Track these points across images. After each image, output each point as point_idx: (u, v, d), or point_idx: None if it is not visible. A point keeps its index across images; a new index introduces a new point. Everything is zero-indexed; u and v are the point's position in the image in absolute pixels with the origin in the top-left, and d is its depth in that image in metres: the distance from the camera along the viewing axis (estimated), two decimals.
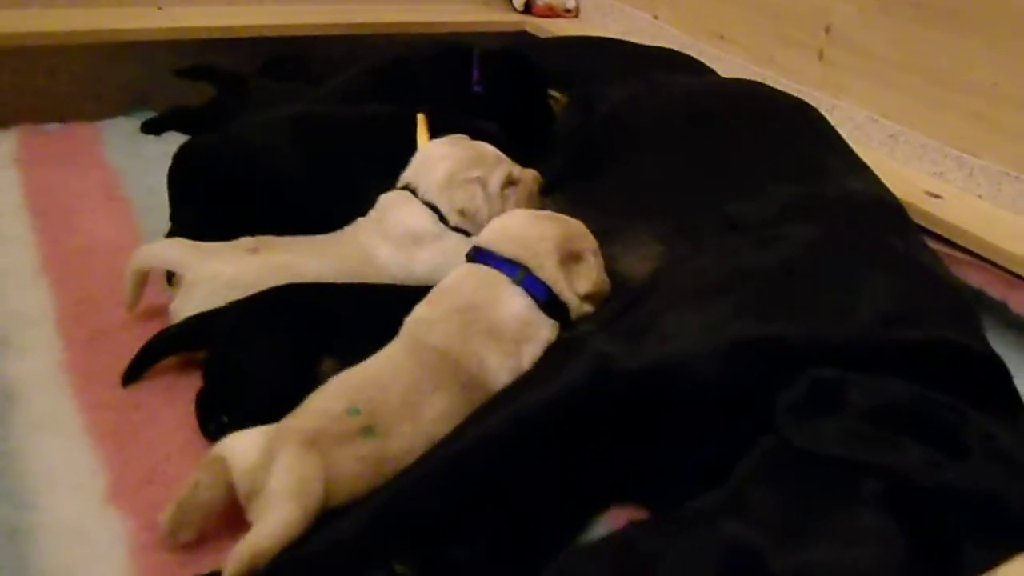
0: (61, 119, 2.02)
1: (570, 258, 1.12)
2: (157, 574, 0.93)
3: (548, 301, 1.10)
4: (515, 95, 1.61)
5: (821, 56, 1.86)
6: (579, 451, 1.00)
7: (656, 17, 2.28)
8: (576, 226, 1.17)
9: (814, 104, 1.82)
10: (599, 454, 1.01)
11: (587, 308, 1.13)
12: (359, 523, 0.92)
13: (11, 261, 1.47)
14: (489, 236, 1.15)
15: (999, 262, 1.45)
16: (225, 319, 1.16)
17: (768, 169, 1.28)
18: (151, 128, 1.94)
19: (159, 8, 2.16)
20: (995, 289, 1.49)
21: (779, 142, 1.36)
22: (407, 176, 1.35)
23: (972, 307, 1.14)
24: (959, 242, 1.51)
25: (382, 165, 1.40)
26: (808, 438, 0.89)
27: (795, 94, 1.86)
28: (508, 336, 1.07)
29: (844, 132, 1.76)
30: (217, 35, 2.12)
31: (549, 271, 1.10)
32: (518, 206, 1.35)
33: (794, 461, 0.89)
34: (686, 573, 0.82)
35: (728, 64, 2.06)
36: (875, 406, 0.90)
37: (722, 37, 2.08)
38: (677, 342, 1.03)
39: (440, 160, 1.33)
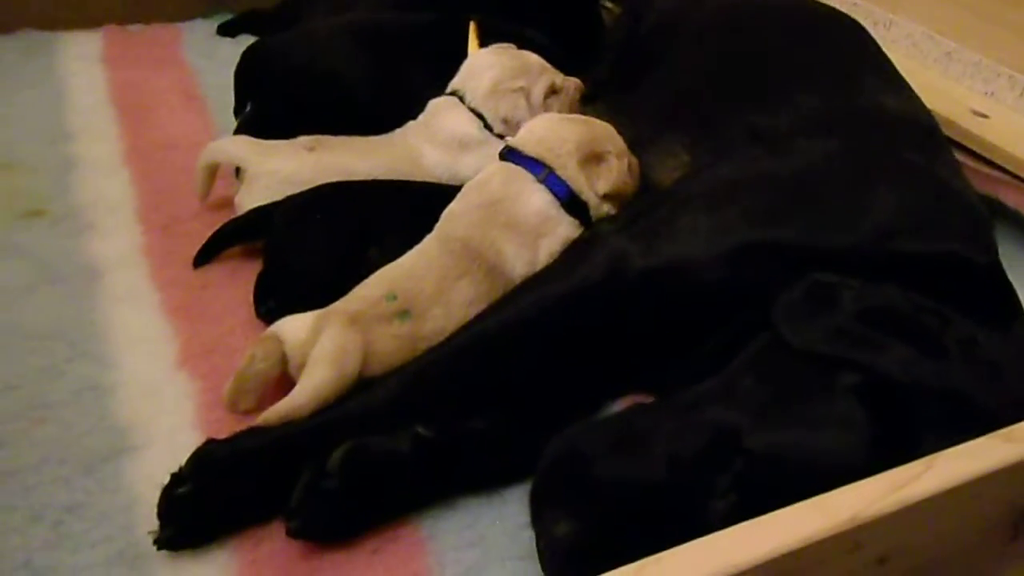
0: (146, 21, 2.15)
1: (592, 159, 1.19)
2: (218, 427, 1.06)
3: (568, 199, 1.18)
4: (564, 4, 1.66)
5: None
6: (593, 340, 1.09)
7: None
8: (603, 129, 1.24)
9: (871, 18, 1.84)
10: (612, 343, 1.10)
11: (607, 208, 1.20)
12: (390, 391, 1.04)
13: (97, 152, 1.61)
14: (519, 137, 1.23)
15: None
16: (281, 212, 1.27)
17: (798, 82, 1.32)
18: (226, 30, 2.04)
19: None
20: None
21: (814, 56, 1.38)
22: (455, 83, 1.43)
23: (985, 222, 1.18)
24: (999, 162, 1.53)
25: (434, 70, 1.48)
26: (798, 336, 0.97)
27: (854, 6, 1.88)
28: (526, 229, 1.16)
29: (900, 49, 1.79)
30: None
31: (570, 171, 1.18)
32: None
33: (783, 356, 0.97)
34: (674, 447, 0.92)
35: None
36: (864, 308, 0.97)
37: None
38: (688, 243, 1.10)
39: (487, 69, 1.40)
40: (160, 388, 1.13)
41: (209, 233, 1.35)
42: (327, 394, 1.01)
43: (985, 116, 1.61)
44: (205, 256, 1.33)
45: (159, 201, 1.49)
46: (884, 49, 1.73)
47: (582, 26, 1.67)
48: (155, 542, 0.92)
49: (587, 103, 1.49)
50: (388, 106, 1.48)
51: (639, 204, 1.24)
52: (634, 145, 1.35)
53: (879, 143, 1.22)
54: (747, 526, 0.69)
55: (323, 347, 1.04)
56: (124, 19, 2.11)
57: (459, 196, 1.21)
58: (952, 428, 0.85)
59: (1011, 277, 1.13)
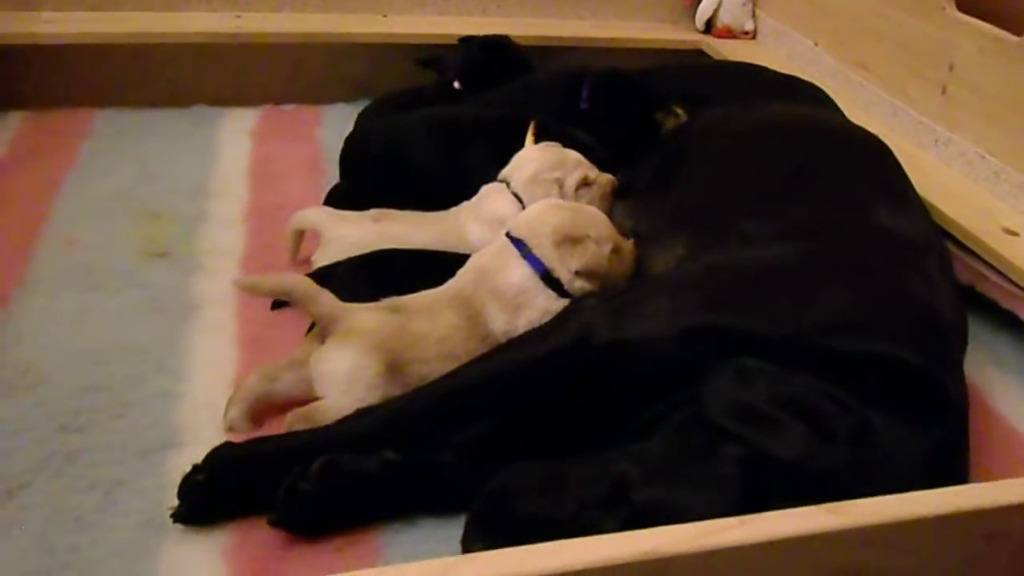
0: (298, 102, 2.53)
1: (568, 241, 1.38)
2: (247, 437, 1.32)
3: (545, 275, 1.38)
4: (614, 113, 1.88)
5: (944, 91, 1.95)
6: (555, 399, 1.27)
7: (816, 44, 2.42)
8: (589, 216, 1.43)
9: (932, 136, 1.94)
10: (572, 404, 1.27)
11: (580, 283, 1.38)
12: (376, 421, 1.25)
13: (225, 209, 1.95)
14: (516, 219, 1.45)
15: None
16: (337, 271, 1.54)
17: (796, 195, 1.47)
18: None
19: (384, 16, 2.60)
20: None
21: (821, 173, 1.52)
22: (504, 171, 1.66)
23: (938, 329, 1.27)
24: (1016, 280, 1.59)
25: (494, 160, 1.72)
26: (711, 409, 1.12)
27: (916, 125, 1.98)
28: (507, 297, 1.38)
29: (956, 166, 1.88)
30: (430, 40, 2.53)
31: (544, 249, 1.38)
32: (591, 203, 1.62)
33: (693, 425, 1.12)
34: (583, 492, 1.09)
35: (867, 93, 2.19)
36: (774, 392, 1.11)
37: (865, 67, 2.20)
38: (648, 322, 1.26)
39: (529, 161, 1.64)
40: (216, 401, 1.39)
41: None
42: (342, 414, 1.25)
43: (1016, 234, 1.68)
44: (282, 301, 1.61)
45: (261, 251, 1.80)
46: (940, 166, 1.84)
47: (634, 131, 1.87)
48: (172, 515, 1.18)
49: (621, 198, 1.68)
50: (452, 187, 1.73)
51: (625, 286, 1.41)
52: (645, 238, 1.53)
53: (850, 249, 1.34)
54: (561, 542, 0.86)
55: (337, 370, 1.28)
56: (280, 99, 2.50)
57: (471, 258, 1.44)
58: (802, 501, 0.98)
59: None
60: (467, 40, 2.32)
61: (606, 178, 1.66)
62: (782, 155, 1.59)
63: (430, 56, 2.36)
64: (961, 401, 1.24)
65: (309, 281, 1.34)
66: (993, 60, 1.82)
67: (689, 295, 1.29)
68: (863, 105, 2.20)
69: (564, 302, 1.38)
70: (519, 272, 1.39)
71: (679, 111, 1.96)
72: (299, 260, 1.74)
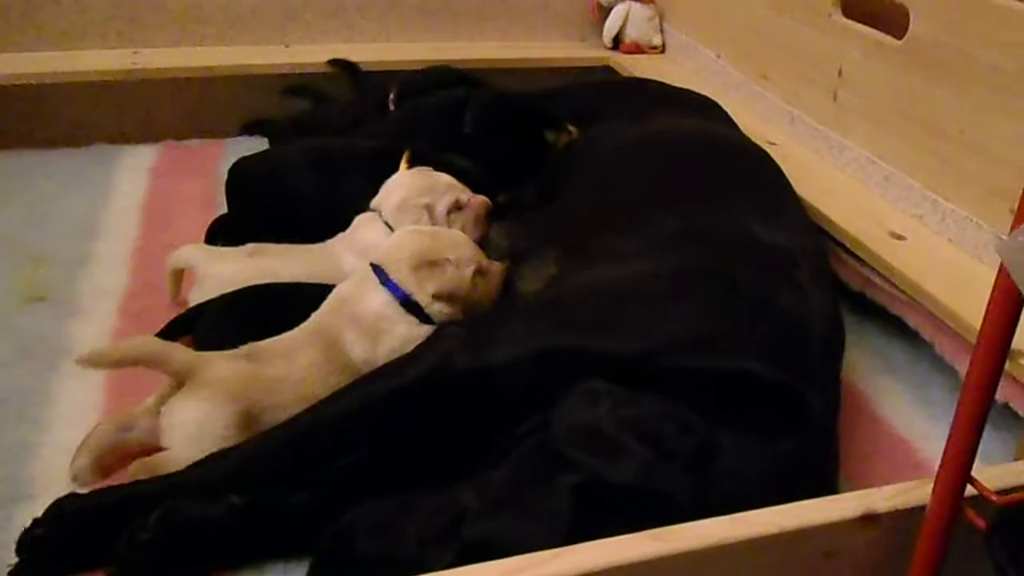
0: (207, 135, 2.50)
1: (425, 265, 1.35)
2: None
3: (405, 300, 1.35)
4: (498, 135, 1.86)
5: (835, 97, 1.94)
6: (413, 432, 1.24)
7: (719, 56, 2.41)
8: (448, 240, 1.41)
9: (828, 142, 1.93)
10: (430, 436, 1.24)
11: (439, 307, 1.36)
12: (227, 465, 1.21)
13: (111, 249, 1.90)
14: (379, 248, 1.42)
15: (925, 304, 1.51)
16: (206, 310, 1.50)
17: (665, 207, 1.44)
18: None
19: (286, 46, 2.57)
20: (926, 331, 1.55)
21: (695, 184, 1.50)
22: (375, 200, 1.63)
23: (802, 343, 1.24)
24: (898, 284, 1.58)
25: (372, 189, 1.69)
26: (556, 435, 1.08)
27: (812, 132, 1.97)
28: (366, 324, 1.35)
29: (849, 171, 1.86)
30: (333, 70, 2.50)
31: (402, 275, 1.36)
32: (464, 227, 1.59)
33: (537, 452, 1.08)
34: (424, 527, 1.05)
35: (767, 102, 2.18)
36: (616, 414, 1.08)
37: (765, 77, 2.19)
38: (504, 348, 1.24)
39: (398, 187, 1.61)
40: (74, 449, 1.35)
41: None
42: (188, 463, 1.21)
43: (902, 238, 1.66)
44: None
45: (143, 292, 1.75)
46: (835, 172, 1.83)
47: (521, 151, 1.85)
48: (9, 573, 1.13)
49: (495, 219, 1.65)
50: (331, 218, 1.70)
51: (488, 313, 1.38)
52: (518, 257, 1.50)
53: (711, 262, 1.32)
54: None
55: (185, 421, 1.24)
56: (182, 135, 2.46)
57: (334, 290, 1.40)
58: (639, 525, 0.95)
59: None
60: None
61: (479, 200, 1.63)
62: (656, 168, 1.56)
63: (300, 84, 2.36)
64: (826, 413, 1.22)
65: (156, 341, 1.31)
66: (878, 65, 1.81)
67: (543, 317, 1.26)
68: (764, 115, 2.19)
69: (427, 329, 1.35)
70: (378, 299, 1.36)
71: (572, 129, 1.95)
72: (180, 299, 1.69)
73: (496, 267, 1.44)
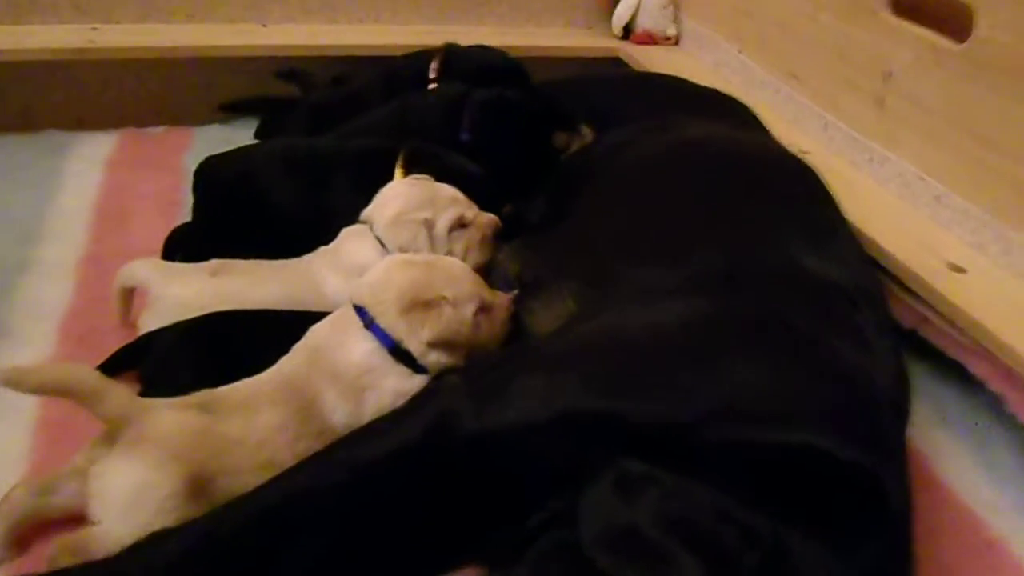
0: (172, 122, 2.25)
1: (418, 306, 1.13)
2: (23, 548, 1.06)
3: (394, 348, 1.12)
4: (500, 143, 1.62)
5: (880, 104, 1.73)
6: (407, 510, 1.02)
7: (741, 51, 2.19)
8: (445, 272, 1.18)
9: (868, 154, 1.72)
10: (432, 513, 1.03)
11: (436, 357, 1.13)
12: (165, 557, 0.97)
13: (56, 256, 1.65)
14: (360, 282, 1.18)
15: (992, 349, 1.31)
16: (158, 342, 1.27)
17: (705, 235, 1.23)
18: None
19: (264, 26, 2.33)
20: (993, 382, 1.35)
21: (735, 206, 1.28)
22: (366, 211, 1.40)
23: (873, 410, 1.04)
24: (962, 326, 1.37)
25: (365, 197, 1.46)
26: (585, 534, 0.87)
27: (850, 141, 1.76)
28: (348, 380, 1.11)
29: (892, 188, 1.65)
30: (316, 52, 2.26)
31: (389, 318, 1.13)
32: (468, 249, 1.37)
33: (563, 553, 0.87)
34: None
35: (797, 105, 1.96)
36: (664, 512, 0.87)
37: (795, 76, 1.98)
38: (519, 407, 1.02)
39: (393, 198, 1.38)
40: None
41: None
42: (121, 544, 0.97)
43: (963, 271, 1.46)
44: (113, 366, 1.33)
45: (88, 311, 1.51)
46: (875, 188, 1.63)
47: (527, 159, 1.62)
48: None
49: (510, 238, 1.43)
50: (313, 227, 1.47)
51: (495, 357, 1.16)
52: (531, 287, 1.28)
53: (762, 306, 1.11)
54: None
55: (117, 488, 1.01)
56: (145, 121, 2.21)
57: (307, 333, 1.17)
58: None
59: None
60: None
61: (486, 219, 1.40)
62: (689, 186, 1.35)
63: (291, 69, 2.14)
64: (904, 500, 1.01)
65: (92, 373, 1.07)
66: (932, 70, 1.60)
67: (567, 371, 1.04)
68: (793, 118, 1.98)
69: (422, 379, 1.13)
70: (361, 347, 1.13)
71: (586, 130, 1.72)
72: (131, 322, 1.46)
73: (502, 301, 1.22)
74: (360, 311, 1.14)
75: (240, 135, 2.11)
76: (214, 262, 1.40)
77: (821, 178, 1.44)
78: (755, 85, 2.10)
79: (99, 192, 1.90)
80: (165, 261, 1.44)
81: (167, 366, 1.24)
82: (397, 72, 2.00)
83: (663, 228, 1.28)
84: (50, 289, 1.56)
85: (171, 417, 1.04)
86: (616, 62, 2.43)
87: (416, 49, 2.10)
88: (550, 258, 1.33)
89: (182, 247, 1.53)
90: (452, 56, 1.94)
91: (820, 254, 1.24)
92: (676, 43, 2.46)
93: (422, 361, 1.13)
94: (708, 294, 1.12)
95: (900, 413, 1.14)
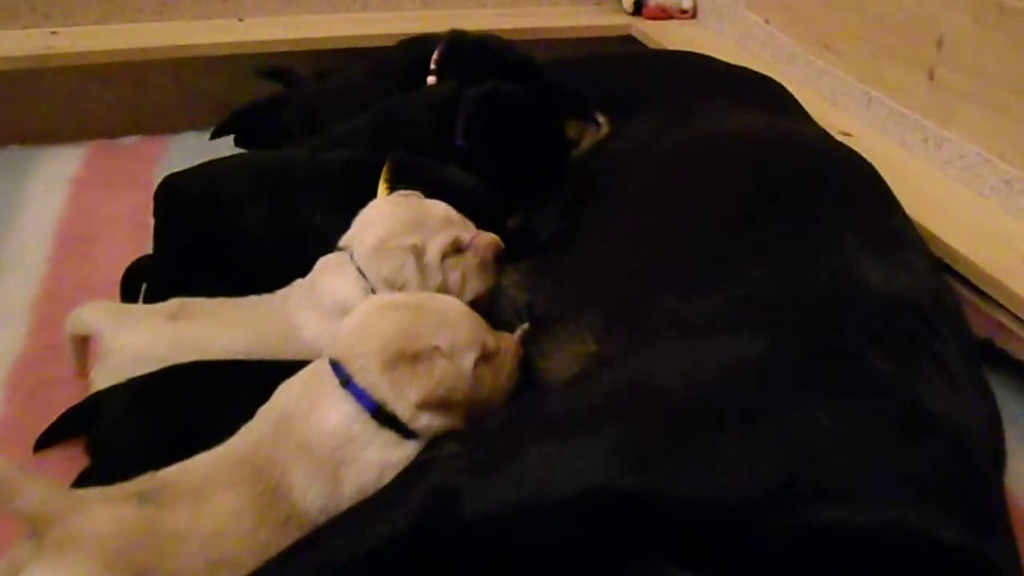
0: (147, 131, 2.06)
1: (404, 360, 0.93)
2: None
3: (377, 411, 0.93)
4: (500, 147, 1.41)
5: (931, 75, 1.51)
6: None
7: (767, 22, 1.98)
8: (436, 316, 0.97)
9: (921, 134, 1.51)
10: None
11: (429, 420, 0.94)
12: None
13: (5, 295, 1.50)
14: (336, 332, 0.99)
15: None
16: (107, 406, 1.10)
17: (750, 247, 1.03)
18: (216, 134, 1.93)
19: (240, 20, 2.13)
20: None
21: (782, 213, 1.08)
22: (346, 237, 1.20)
23: (981, 461, 0.84)
24: None
25: (346, 217, 1.26)
26: None
27: (898, 119, 1.56)
28: (321, 453, 0.92)
29: (952, 172, 1.45)
30: (299, 47, 2.07)
31: (370, 376, 0.93)
32: (465, 278, 1.17)
33: None
34: None
35: (833, 79, 1.76)
36: None
37: (828, 47, 1.76)
38: (533, 484, 0.82)
39: (375, 221, 1.18)
40: None
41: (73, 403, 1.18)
42: None
43: None
44: (45, 442, 1.17)
45: (41, 359, 1.35)
46: (932, 173, 1.42)
47: (534, 162, 1.40)
48: None
49: (516, 260, 1.22)
50: (287, 254, 1.28)
51: (501, 417, 0.96)
52: (543, 323, 1.08)
53: (824, 342, 0.90)
54: None
55: None
56: (116, 132, 2.04)
57: (274, 394, 0.98)
58: None
59: None
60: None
61: (486, 240, 1.19)
62: (727, 189, 1.14)
63: (273, 66, 1.96)
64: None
65: (7, 465, 0.87)
66: (993, 34, 1.39)
67: (591, 440, 0.84)
68: (829, 95, 1.78)
69: (411, 447, 0.93)
70: (337, 411, 0.93)
71: (600, 119, 1.51)
72: (86, 373, 1.27)
73: (508, 345, 1.02)
74: (336, 367, 0.95)
75: (219, 143, 1.92)
76: (174, 302, 1.21)
77: (876, 170, 1.23)
78: (783, 60, 1.90)
79: (62, 216, 1.74)
80: (118, 304, 1.26)
81: (115, 436, 1.08)
82: (389, 65, 1.79)
83: (696, 243, 1.07)
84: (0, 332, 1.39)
85: (104, 513, 0.85)
86: (628, 40, 2.24)
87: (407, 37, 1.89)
88: (565, 285, 1.13)
89: (143, 280, 1.34)
90: (457, 45, 1.71)
91: (886, 264, 1.04)
92: (693, 16, 2.26)
93: (411, 425, 0.93)
94: (756, 328, 0.92)
95: (997, 460, 0.94)
